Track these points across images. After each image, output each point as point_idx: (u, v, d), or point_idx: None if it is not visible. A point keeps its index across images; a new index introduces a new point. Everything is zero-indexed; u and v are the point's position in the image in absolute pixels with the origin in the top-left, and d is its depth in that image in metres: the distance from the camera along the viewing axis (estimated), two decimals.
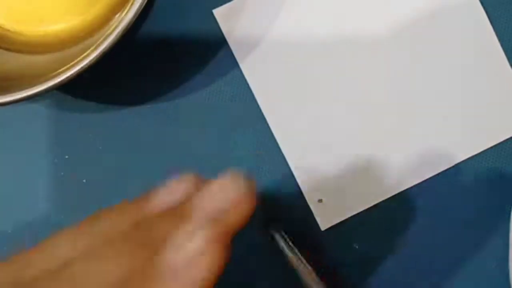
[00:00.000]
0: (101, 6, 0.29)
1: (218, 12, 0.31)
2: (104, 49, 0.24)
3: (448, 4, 0.31)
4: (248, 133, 0.31)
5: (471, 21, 0.31)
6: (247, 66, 0.31)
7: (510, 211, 0.29)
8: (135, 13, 0.24)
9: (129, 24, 0.24)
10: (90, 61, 0.24)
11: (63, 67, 0.25)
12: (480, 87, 0.31)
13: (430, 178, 0.31)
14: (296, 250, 0.28)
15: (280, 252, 0.28)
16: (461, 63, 0.31)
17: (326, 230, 0.30)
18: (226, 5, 0.31)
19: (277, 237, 0.29)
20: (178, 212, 0.20)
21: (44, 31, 0.30)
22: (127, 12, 0.24)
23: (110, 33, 0.24)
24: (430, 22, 0.31)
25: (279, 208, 0.30)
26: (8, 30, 0.29)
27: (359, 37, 0.31)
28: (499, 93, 0.31)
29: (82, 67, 0.24)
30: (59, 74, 0.24)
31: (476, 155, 0.30)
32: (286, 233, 0.29)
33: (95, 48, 0.24)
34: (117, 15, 0.28)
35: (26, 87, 0.25)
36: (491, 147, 0.31)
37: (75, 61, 0.24)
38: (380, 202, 0.30)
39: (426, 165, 0.31)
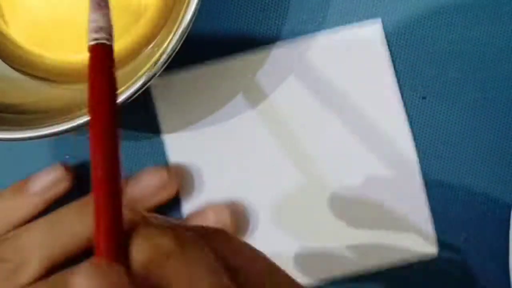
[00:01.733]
0: (130, 38, 0.29)
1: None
2: (137, 88, 0.24)
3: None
4: None
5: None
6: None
7: (510, 211, 0.30)
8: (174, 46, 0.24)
9: (168, 58, 0.24)
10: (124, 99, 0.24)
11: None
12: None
13: None
14: None
15: None
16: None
17: None
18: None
19: None
20: None
21: (71, 59, 0.30)
22: (162, 52, 0.24)
23: (144, 72, 0.24)
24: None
25: None
26: (31, 54, 0.30)
27: None
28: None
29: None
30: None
31: None
32: None
33: (127, 88, 0.24)
34: (148, 48, 0.28)
35: (51, 121, 0.25)
36: None
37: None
38: None
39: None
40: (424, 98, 0.31)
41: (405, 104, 0.31)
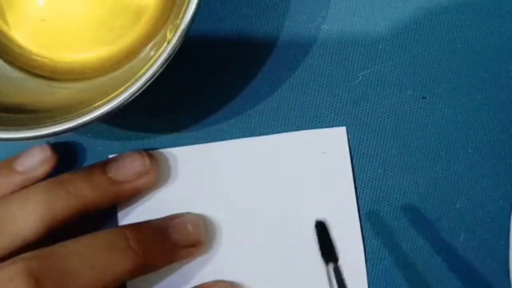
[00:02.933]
0: (129, 38, 0.29)
1: None
2: (137, 88, 0.24)
3: None
4: None
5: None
6: None
7: (510, 211, 0.30)
8: (172, 50, 0.24)
9: (163, 64, 0.24)
10: (130, 94, 0.24)
11: (91, 99, 0.25)
12: None
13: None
14: None
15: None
16: None
17: None
18: None
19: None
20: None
21: (70, 58, 0.30)
22: (162, 52, 0.24)
23: (144, 72, 0.24)
24: None
25: None
26: (31, 53, 0.30)
27: None
28: None
29: (121, 100, 0.24)
30: (92, 109, 0.24)
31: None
32: None
33: (126, 88, 0.23)
34: (148, 47, 0.28)
35: (51, 121, 0.24)
36: None
37: (113, 94, 0.24)
38: None
39: None
40: (424, 97, 0.32)
41: (405, 104, 0.31)
